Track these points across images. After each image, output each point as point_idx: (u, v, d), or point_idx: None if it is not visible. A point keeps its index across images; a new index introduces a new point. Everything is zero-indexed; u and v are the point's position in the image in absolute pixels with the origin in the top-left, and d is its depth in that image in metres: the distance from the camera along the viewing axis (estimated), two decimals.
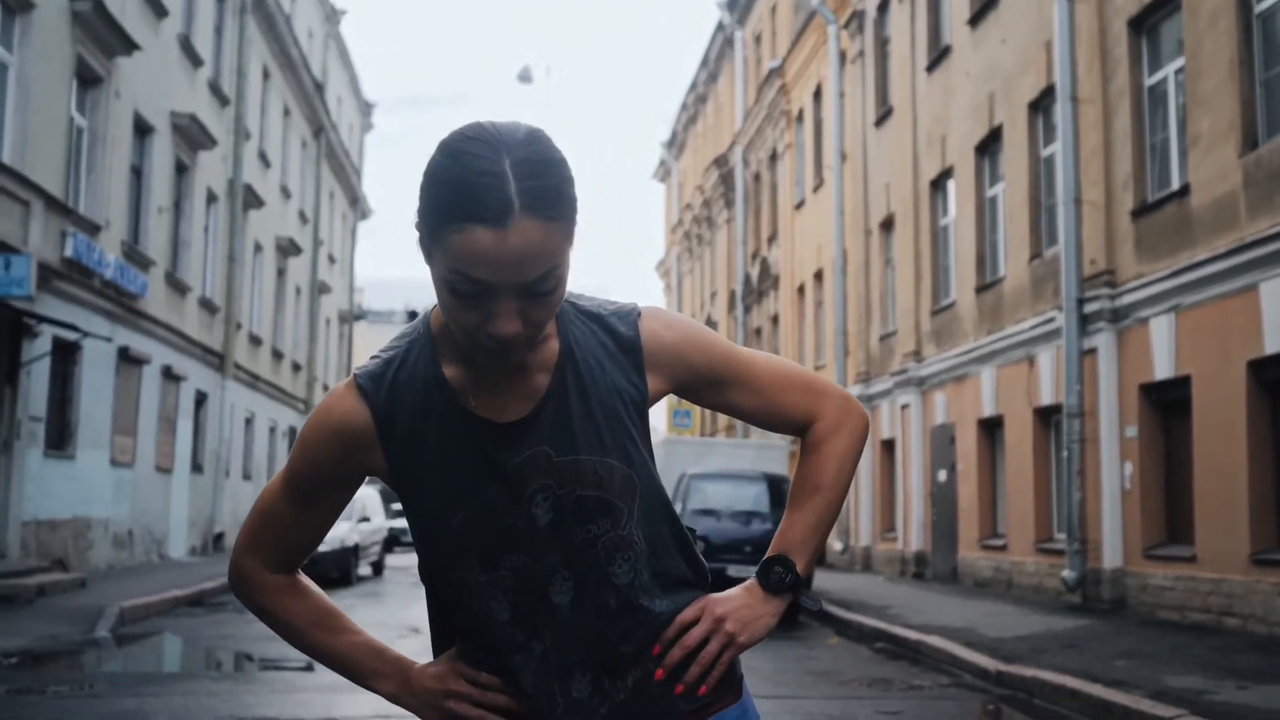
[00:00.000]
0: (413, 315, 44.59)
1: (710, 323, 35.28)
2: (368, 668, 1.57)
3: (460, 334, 1.40)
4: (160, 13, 18.04)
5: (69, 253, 14.30)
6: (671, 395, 1.59)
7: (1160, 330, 11.29)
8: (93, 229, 15.40)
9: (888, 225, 20.10)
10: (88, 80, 15.68)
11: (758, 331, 29.63)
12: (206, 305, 21.50)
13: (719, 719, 1.55)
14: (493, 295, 1.34)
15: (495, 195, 1.30)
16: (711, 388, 1.58)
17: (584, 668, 1.48)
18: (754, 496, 14.54)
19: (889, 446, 19.82)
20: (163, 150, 18.68)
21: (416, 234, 1.39)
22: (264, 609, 1.60)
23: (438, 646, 1.60)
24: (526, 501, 1.46)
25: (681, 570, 1.55)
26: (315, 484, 1.53)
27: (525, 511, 1.46)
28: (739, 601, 1.53)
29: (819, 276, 24.16)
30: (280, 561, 1.58)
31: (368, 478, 1.55)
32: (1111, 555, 11.99)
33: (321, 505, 1.55)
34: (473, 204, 1.30)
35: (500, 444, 1.46)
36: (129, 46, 15.96)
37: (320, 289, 32.59)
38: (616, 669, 1.49)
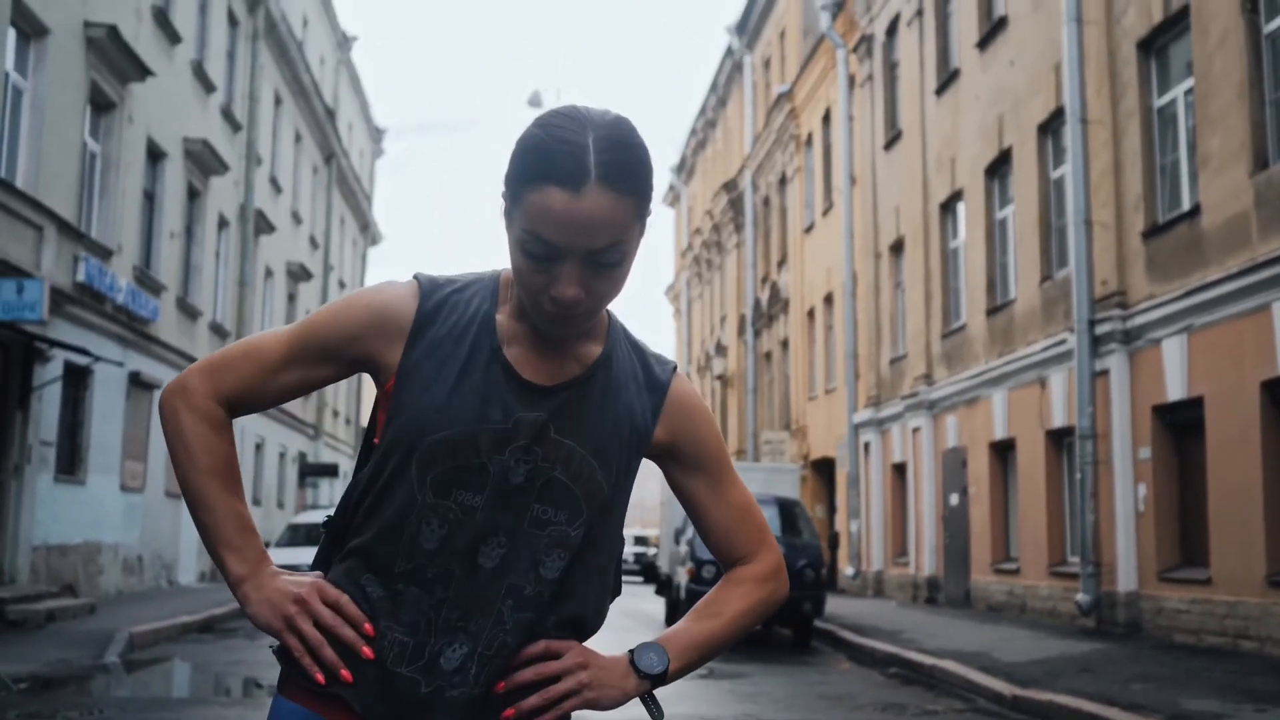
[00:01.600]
0: None
1: (720, 347, 35.27)
2: (230, 538, 1.51)
3: (526, 295, 1.46)
4: (174, 39, 18.18)
5: (81, 277, 14.36)
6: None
7: (1173, 351, 11.25)
8: (105, 254, 15.47)
9: (898, 248, 20.09)
10: (101, 106, 15.78)
11: (768, 356, 29.61)
12: (217, 330, 21.55)
13: None
14: (560, 258, 1.40)
15: (574, 160, 1.37)
16: (692, 469, 1.61)
17: (466, 639, 1.46)
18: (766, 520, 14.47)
19: (900, 470, 19.74)
20: (175, 175, 18.78)
21: (502, 201, 1.46)
22: (183, 430, 1.51)
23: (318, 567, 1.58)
24: (508, 454, 1.47)
25: (590, 606, 1.55)
26: (321, 343, 1.53)
27: (502, 461, 1.46)
28: (604, 662, 1.52)
29: (829, 300, 24.14)
30: (230, 397, 1.53)
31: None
32: (1126, 578, 11.90)
33: (306, 368, 1.53)
34: (551, 166, 1.37)
35: (515, 393, 1.49)
36: (142, 72, 16.07)
37: None
38: (490, 659, 1.46)
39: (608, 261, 1.41)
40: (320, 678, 1.45)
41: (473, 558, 1.46)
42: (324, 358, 1.53)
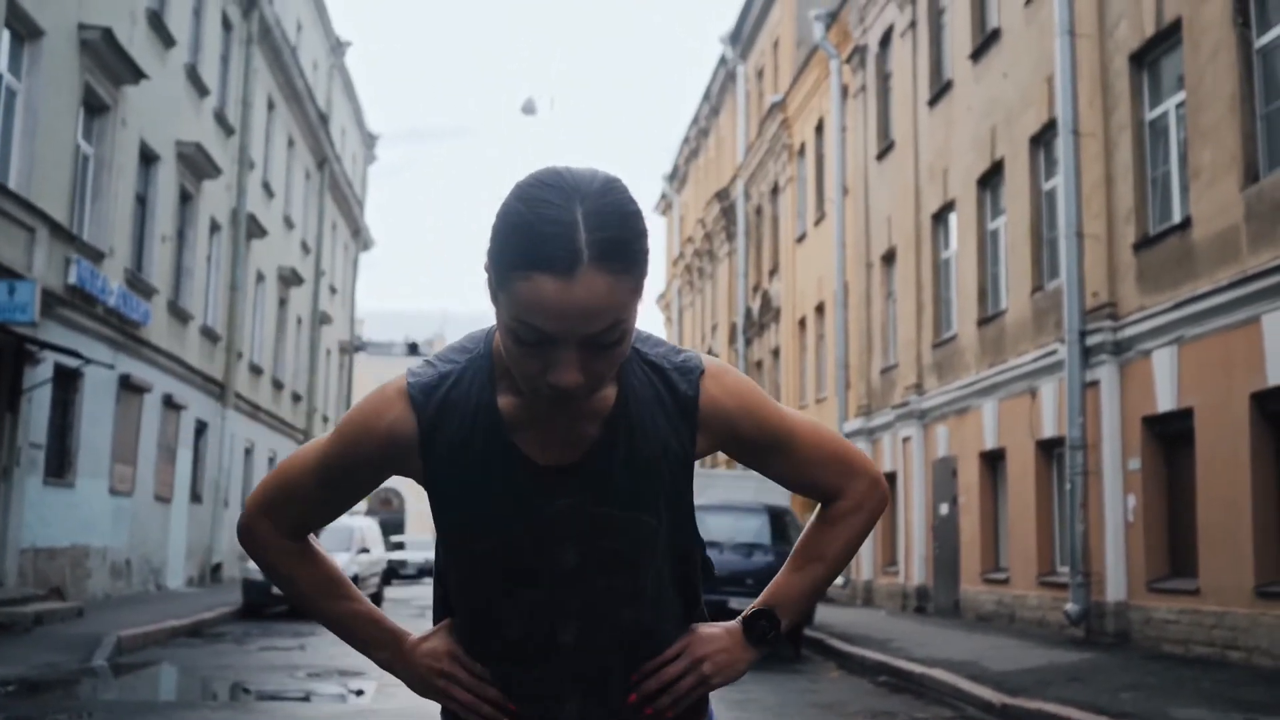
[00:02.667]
0: (413, 347, 44.35)
1: (711, 355, 35.22)
2: (366, 636, 1.61)
3: (521, 381, 1.39)
4: (168, 42, 18.18)
5: (73, 279, 14.34)
6: None
7: (1163, 362, 11.30)
8: (96, 256, 15.44)
9: (889, 258, 20.15)
10: (95, 108, 15.77)
11: (759, 364, 29.64)
12: (208, 334, 21.51)
13: None
14: (554, 345, 1.32)
15: (564, 245, 1.27)
16: (751, 453, 1.60)
17: (575, 693, 1.55)
18: (756, 529, 14.47)
19: (890, 479, 19.76)
20: (167, 179, 18.75)
21: (485, 275, 1.37)
22: (272, 567, 1.61)
23: (438, 616, 1.65)
24: (555, 545, 1.49)
25: (677, 616, 1.61)
26: (348, 475, 1.54)
27: (550, 554, 1.49)
28: (719, 645, 1.58)
29: (820, 309, 24.19)
30: (294, 531, 1.58)
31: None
32: (1115, 588, 11.94)
33: (349, 492, 1.57)
34: (540, 253, 1.27)
35: (539, 486, 1.47)
36: (136, 75, 16.06)
37: (321, 320, 32.63)
38: (605, 697, 1.56)
39: (606, 342, 1.33)
40: None
41: (553, 638, 1.54)
42: (360, 480, 1.55)
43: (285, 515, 1.57)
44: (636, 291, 1.34)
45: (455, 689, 1.55)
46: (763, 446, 1.57)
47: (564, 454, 1.46)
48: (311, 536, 1.61)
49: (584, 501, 1.46)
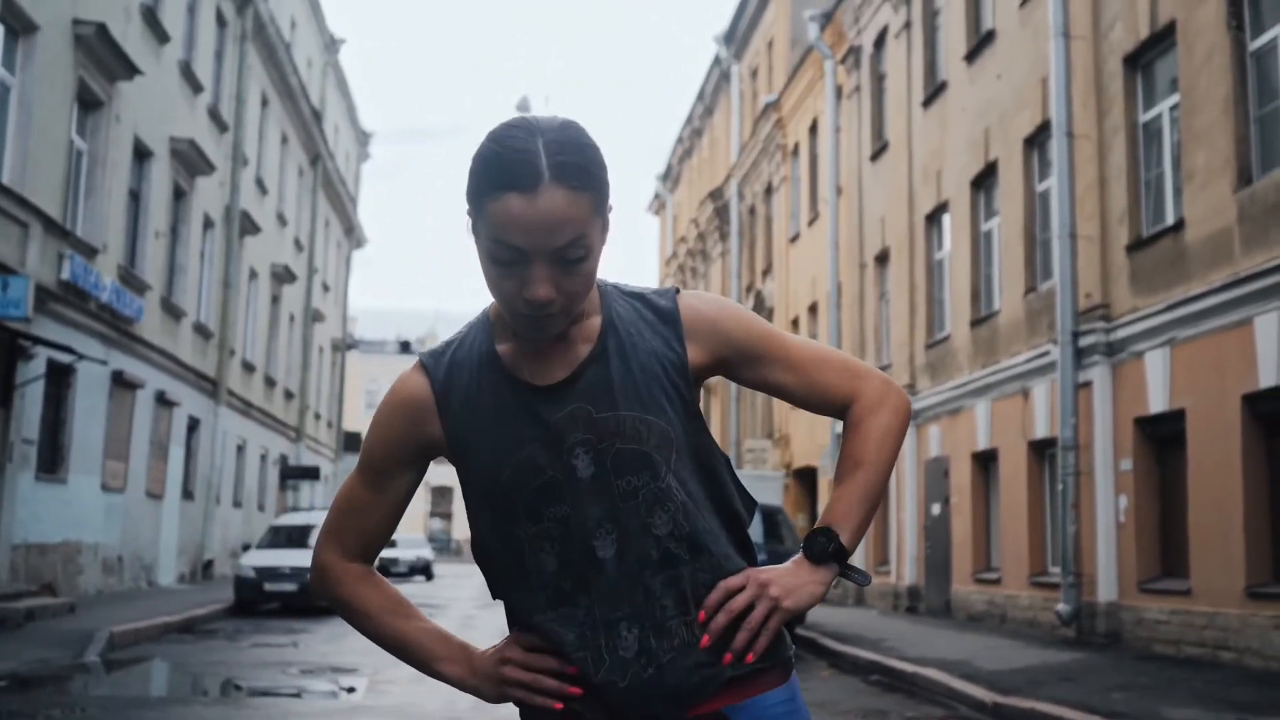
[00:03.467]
0: (405, 346, 44.40)
1: None
2: (435, 652, 1.65)
3: (503, 305, 1.52)
4: (162, 38, 18.14)
5: (66, 275, 14.31)
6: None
7: (1155, 364, 11.34)
8: (90, 252, 15.41)
9: (883, 259, 20.18)
10: (88, 104, 15.74)
11: None
12: (201, 331, 21.48)
13: (765, 700, 1.59)
14: (527, 261, 1.46)
15: (527, 166, 1.44)
16: (750, 363, 1.64)
17: (630, 624, 1.54)
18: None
19: None
20: (161, 175, 18.72)
21: (467, 219, 1.53)
22: (341, 598, 1.68)
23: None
24: (566, 454, 1.55)
25: (720, 537, 1.60)
26: (385, 461, 1.64)
27: (565, 463, 1.55)
28: (784, 570, 1.58)
29: (813, 309, 24.23)
30: (357, 550, 1.68)
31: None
32: (1106, 589, 11.98)
33: (392, 486, 1.66)
34: (507, 174, 1.44)
35: (543, 403, 1.57)
36: (130, 71, 16.03)
37: (314, 317, 32.60)
38: (662, 627, 1.54)
39: (573, 258, 1.47)
40: (558, 705, 1.56)
41: (592, 556, 1.55)
42: (395, 471, 1.65)
43: (346, 534, 1.68)
44: (597, 212, 1.49)
45: (516, 671, 1.57)
46: (756, 354, 1.63)
47: (561, 374, 1.58)
48: (374, 567, 1.71)
49: (587, 408, 1.55)
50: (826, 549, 1.57)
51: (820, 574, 1.58)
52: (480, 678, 1.61)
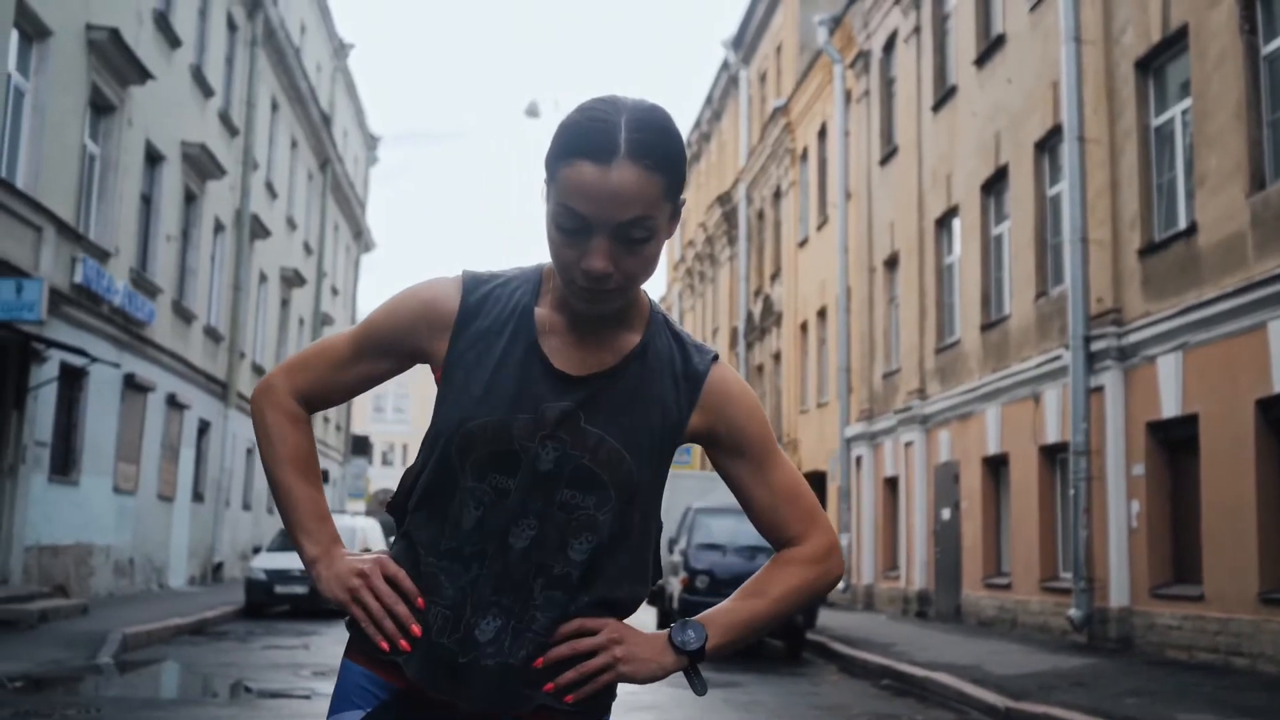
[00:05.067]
0: None
1: None
2: (306, 524, 1.64)
3: (560, 271, 1.53)
4: (174, 43, 18.21)
5: (79, 279, 14.36)
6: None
7: (1167, 368, 11.32)
8: (102, 255, 15.46)
9: (892, 263, 20.18)
10: (101, 108, 15.79)
11: (760, 369, 29.67)
12: (211, 334, 21.54)
13: None
14: (589, 231, 1.47)
15: (604, 136, 1.45)
16: (735, 455, 1.65)
17: (500, 614, 1.55)
18: (757, 532, 14.45)
19: (892, 484, 19.80)
20: (172, 179, 18.78)
21: (543, 186, 1.54)
22: (266, 423, 1.67)
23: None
24: (538, 441, 1.55)
25: (621, 587, 1.61)
26: (379, 338, 1.65)
27: (532, 449, 1.55)
28: (641, 638, 1.59)
29: (822, 314, 24.21)
30: (306, 392, 1.68)
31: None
32: (1118, 594, 11.96)
33: (370, 362, 1.67)
34: (583, 141, 1.46)
35: (547, 384, 1.57)
36: (142, 75, 16.09)
37: (323, 321, 32.65)
38: (522, 634, 1.55)
39: (636, 237, 1.48)
40: (385, 645, 1.55)
41: (504, 538, 1.55)
42: (382, 352, 1.66)
43: (306, 373, 1.68)
44: (667, 197, 1.49)
45: (366, 593, 1.56)
46: (747, 453, 1.64)
47: (578, 367, 1.58)
48: (309, 418, 1.70)
49: (580, 413, 1.56)
50: (688, 644, 1.57)
51: (671, 660, 1.58)
52: (332, 574, 1.59)
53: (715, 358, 1.64)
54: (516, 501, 1.54)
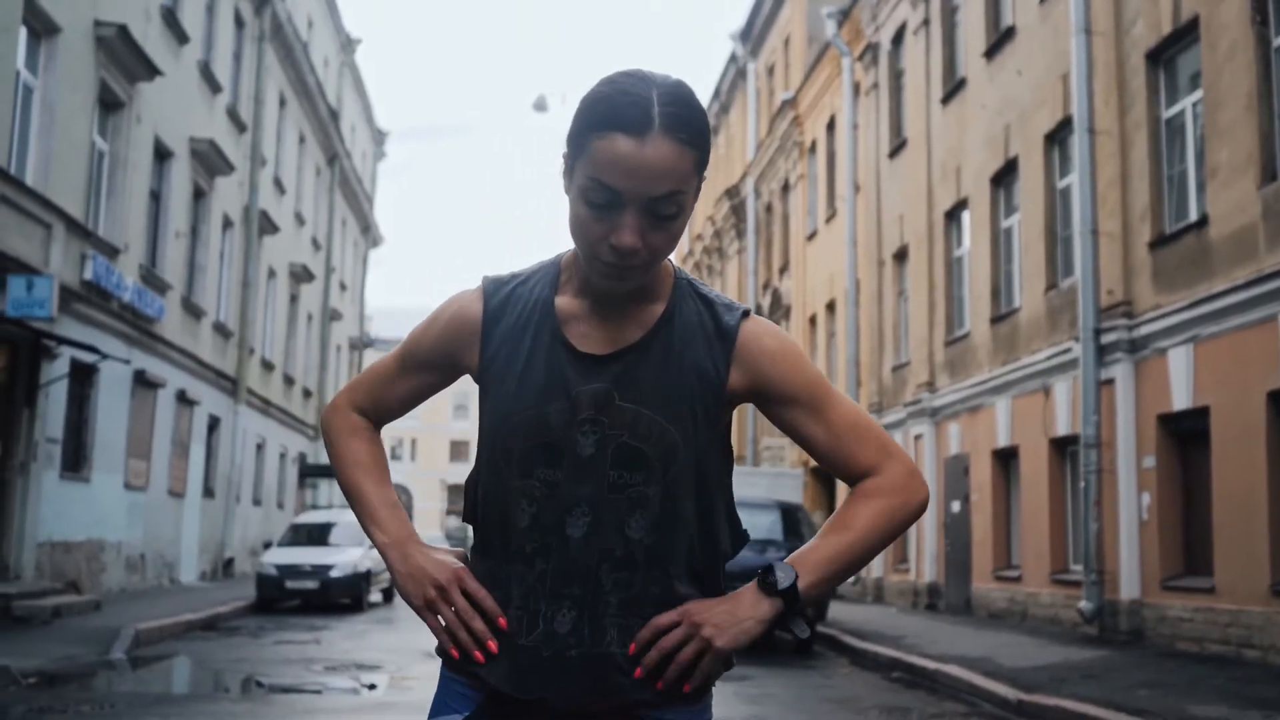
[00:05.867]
0: None
1: None
2: (375, 514, 1.69)
3: (585, 248, 1.52)
4: (182, 39, 18.23)
5: (88, 275, 14.39)
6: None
7: (1178, 361, 11.30)
8: (112, 252, 15.50)
9: (901, 256, 20.14)
10: (110, 105, 15.82)
11: None
12: (221, 330, 21.58)
13: (674, 715, 1.57)
14: (620, 206, 1.46)
15: (639, 110, 1.44)
16: (787, 405, 1.60)
17: (574, 605, 1.54)
18: (768, 525, 14.45)
19: None
20: (181, 175, 18.81)
21: (563, 163, 1.54)
22: (330, 436, 1.76)
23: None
24: (576, 427, 1.55)
25: (683, 561, 1.58)
26: (418, 354, 1.71)
27: (571, 436, 1.55)
28: (721, 607, 1.54)
29: (831, 307, 24.19)
30: (364, 407, 1.77)
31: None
32: (1129, 586, 11.94)
33: (417, 376, 1.73)
34: (618, 115, 1.45)
35: (575, 369, 1.57)
36: (151, 72, 16.11)
37: (332, 316, 32.70)
38: (599, 621, 1.54)
39: (665, 213, 1.47)
40: (455, 653, 1.60)
41: (561, 530, 1.55)
42: (423, 366, 1.72)
43: (362, 391, 1.76)
44: (696, 173, 1.49)
45: (442, 606, 1.58)
46: (798, 399, 1.59)
47: (605, 346, 1.58)
48: (376, 430, 1.78)
49: (613, 391, 1.55)
50: (777, 584, 1.52)
51: (762, 608, 1.53)
52: (409, 574, 1.61)
53: (746, 313, 1.61)
54: (566, 492, 1.54)
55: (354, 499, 1.70)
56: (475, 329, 1.63)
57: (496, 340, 1.61)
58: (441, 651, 1.62)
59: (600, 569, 1.54)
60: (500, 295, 1.63)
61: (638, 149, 1.43)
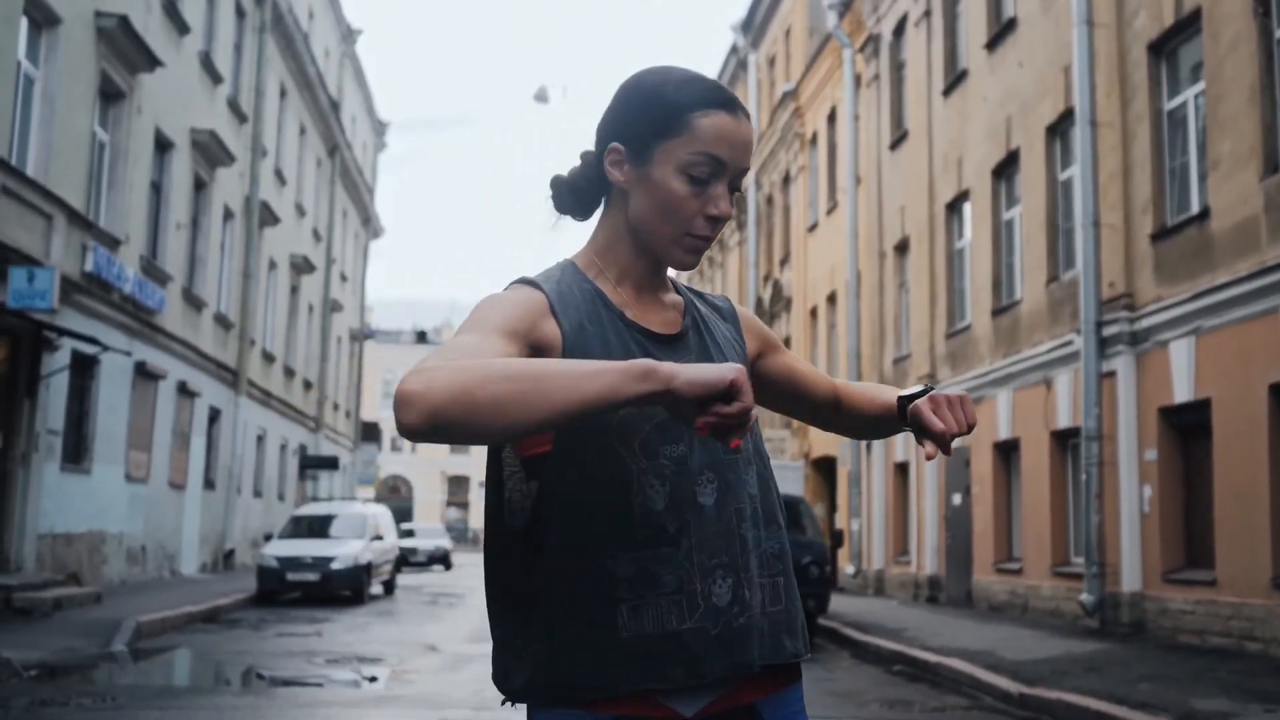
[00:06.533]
0: (421, 335, 44.66)
1: None
2: (607, 368, 1.35)
3: (674, 228, 1.58)
4: (182, 30, 18.19)
5: (89, 267, 14.38)
6: None
7: (1180, 353, 11.29)
8: (113, 243, 15.48)
9: (902, 248, 20.12)
10: (111, 96, 15.80)
11: None
12: (221, 321, 21.57)
13: (795, 692, 1.65)
14: (717, 178, 1.56)
15: (726, 93, 1.57)
16: (777, 353, 1.83)
17: (725, 573, 1.54)
18: None
19: (903, 469, 19.79)
20: (182, 166, 18.79)
21: (618, 152, 1.59)
22: (451, 384, 1.29)
23: (508, 611, 1.54)
24: None
25: (778, 512, 1.68)
26: (497, 325, 1.47)
27: None
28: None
29: (832, 299, 24.17)
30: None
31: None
32: (1130, 579, 11.94)
33: (498, 341, 1.45)
34: (715, 94, 1.56)
35: (658, 348, 1.61)
36: (151, 63, 16.08)
37: (332, 307, 32.68)
38: (752, 581, 1.57)
39: (736, 187, 1.60)
40: (737, 444, 1.36)
41: (695, 501, 1.54)
42: (504, 334, 1.47)
43: (452, 356, 1.38)
44: None
45: (744, 393, 1.34)
46: (779, 345, 1.85)
47: (669, 326, 1.65)
48: None
49: (700, 362, 1.61)
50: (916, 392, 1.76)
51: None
52: (644, 371, 1.33)
53: (726, 298, 1.81)
54: (694, 464, 1.55)
55: (561, 379, 1.32)
56: (544, 307, 1.54)
57: (570, 329, 1.55)
58: (551, 691, 1.50)
59: (738, 530, 1.57)
60: (551, 289, 1.57)
61: (738, 125, 1.55)
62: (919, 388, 1.77)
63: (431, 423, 1.28)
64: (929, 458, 1.66)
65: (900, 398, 1.78)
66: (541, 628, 1.51)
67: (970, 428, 1.69)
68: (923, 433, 1.68)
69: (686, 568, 1.51)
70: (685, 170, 1.54)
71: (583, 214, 1.70)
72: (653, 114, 1.56)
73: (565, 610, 1.50)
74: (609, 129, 1.61)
